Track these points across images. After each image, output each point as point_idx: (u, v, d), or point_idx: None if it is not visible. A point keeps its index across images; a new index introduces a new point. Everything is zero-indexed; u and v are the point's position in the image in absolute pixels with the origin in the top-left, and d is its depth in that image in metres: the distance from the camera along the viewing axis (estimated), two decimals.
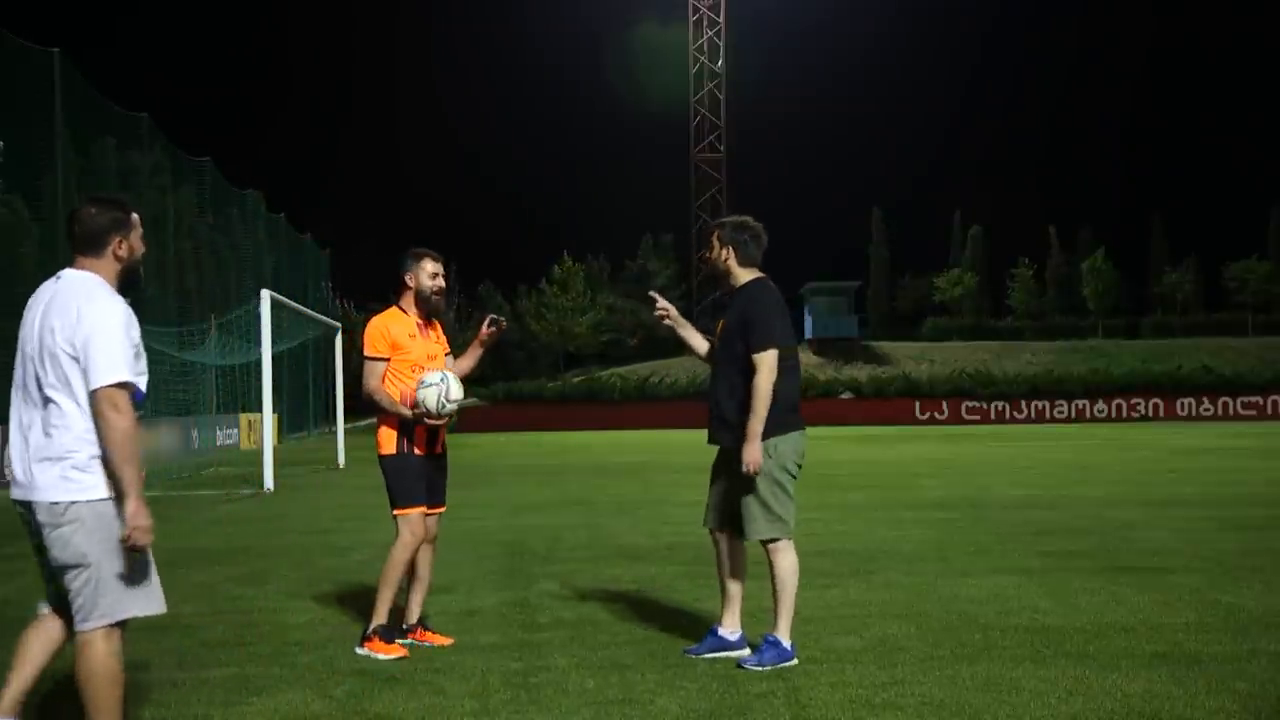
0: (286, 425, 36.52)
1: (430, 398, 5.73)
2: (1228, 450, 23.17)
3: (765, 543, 5.49)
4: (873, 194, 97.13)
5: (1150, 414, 43.93)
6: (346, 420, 24.11)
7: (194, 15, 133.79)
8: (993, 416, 44.11)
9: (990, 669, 5.28)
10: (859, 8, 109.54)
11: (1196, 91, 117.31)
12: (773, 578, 5.48)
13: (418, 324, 6.02)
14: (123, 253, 3.92)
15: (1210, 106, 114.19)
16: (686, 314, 74.25)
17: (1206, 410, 44.08)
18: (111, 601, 3.79)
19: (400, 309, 6.04)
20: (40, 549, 3.90)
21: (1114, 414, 44.02)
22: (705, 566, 8.44)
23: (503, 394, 45.64)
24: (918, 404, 44.00)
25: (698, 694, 4.95)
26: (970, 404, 44.42)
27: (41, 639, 4.02)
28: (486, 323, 6.22)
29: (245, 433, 31.71)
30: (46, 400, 3.77)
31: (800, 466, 5.58)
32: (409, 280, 6.01)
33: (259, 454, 18.73)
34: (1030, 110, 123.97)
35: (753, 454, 5.35)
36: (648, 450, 26.84)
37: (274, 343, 18.76)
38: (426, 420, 5.80)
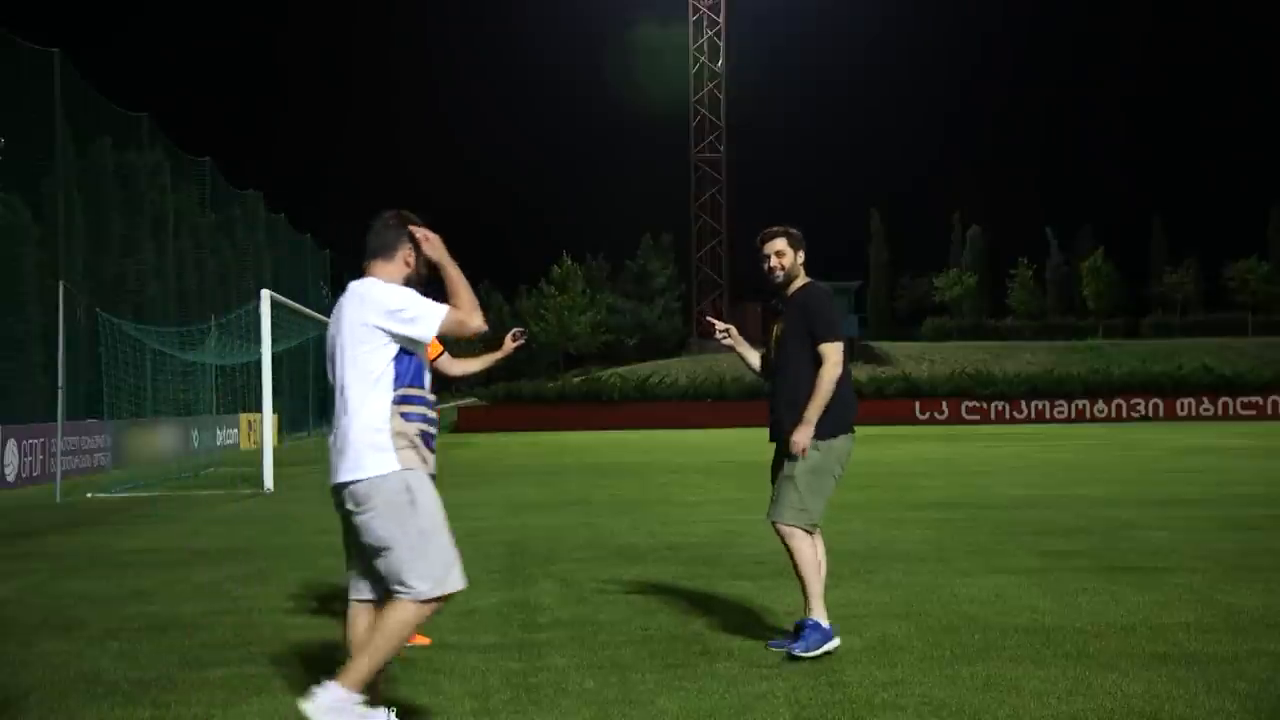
0: (286, 425, 36.50)
1: None
2: (1228, 450, 23.17)
3: (783, 527, 5.60)
4: (872, 194, 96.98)
5: (1150, 414, 43.89)
6: None
7: (194, 15, 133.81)
8: (993, 416, 44.08)
9: (990, 669, 5.28)
10: (859, 8, 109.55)
11: (1196, 91, 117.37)
12: (793, 562, 5.62)
13: None
14: (412, 260, 4.30)
15: (1210, 106, 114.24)
16: (687, 313, 73.35)
17: (1206, 410, 44.04)
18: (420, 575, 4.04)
19: None
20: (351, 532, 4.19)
21: (1114, 414, 43.99)
22: (705, 567, 8.45)
23: (503, 394, 45.61)
24: (918, 404, 43.99)
25: (698, 694, 4.95)
26: (970, 404, 44.40)
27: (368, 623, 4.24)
28: (512, 336, 6.38)
29: (245, 433, 31.70)
30: (342, 390, 4.16)
31: (844, 467, 5.75)
32: None
33: (259, 454, 18.73)
34: (1030, 110, 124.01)
35: (803, 435, 5.53)
36: (648, 450, 26.83)
37: (274, 343, 18.74)
38: None
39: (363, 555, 4.17)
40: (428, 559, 4.03)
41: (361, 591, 4.25)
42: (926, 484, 15.71)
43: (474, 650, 5.83)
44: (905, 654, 5.61)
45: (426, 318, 4.10)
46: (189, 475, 20.70)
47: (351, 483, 4.04)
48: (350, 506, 4.08)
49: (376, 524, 4.02)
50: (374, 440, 4.04)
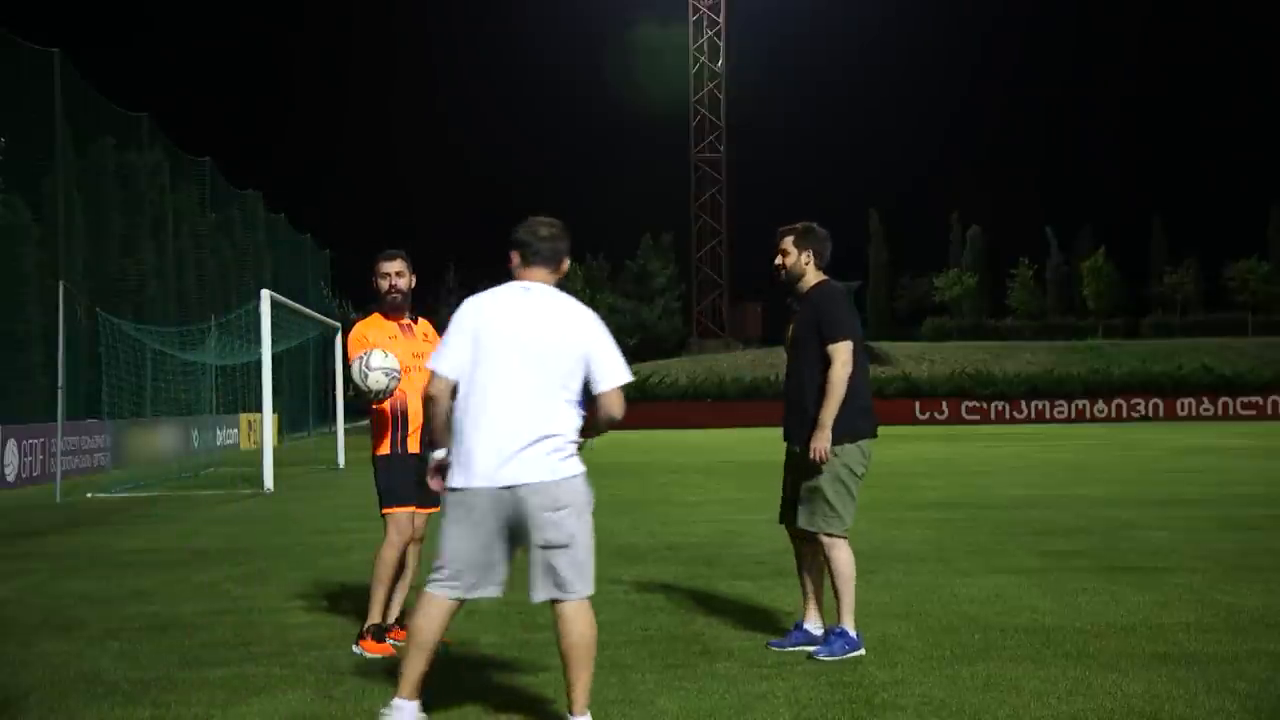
0: (286, 425, 36.49)
1: (375, 379, 5.72)
2: (1228, 450, 23.17)
3: (820, 535, 5.65)
4: (872, 194, 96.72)
5: (1150, 414, 43.89)
6: (346, 420, 24.10)
7: (194, 15, 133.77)
8: (993, 416, 44.09)
9: (990, 669, 5.29)
10: (859, 8, 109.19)
11: (1196, 91, 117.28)
12: (830, 570, 5.66)
13: (400, 325, 6.08)
14: (566, 268, 4.53)
15: (1210, 106, 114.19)
16: (687, 313, 73.02)
17: (1206, 410, 44.03)
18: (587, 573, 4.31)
19: (379, 313, 6.14)
20: (507, 532, 4.27)
21: (1114, 414, 43.99)
22: (705, 567, 8.46)
23: None
24: (918, 404, 44.00)
25: (698, 694, 4.95)
26: (970, 404, 44.42)
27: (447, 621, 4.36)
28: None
29: (245, 433, 31.69)
30: (532, 395, 4.25)
31: (865, 469, 5.80)
32: (374, 285, 6.13)
33: (259, 454, 18.73)
34: (1030, 110, 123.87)
35: (821, 442, 5.53)
36: (648, 450, 26.82)
37: (274, 343, 18.73)
38: (371, 401, 5.79)
39: (495, 553, 4.27)
40: (594, 557, 4.33)
41: (459, 590, 4.29)
42: (926, 484, 15.71)
43: (474, 650, 5.83)
44: (905, 654, 5.62)
45: (612, 378, 4.33)
46: (189, 475, 20.70)
47: (550, 482, 4.20)
48: (532, 501, 4.18)
49: (570, 521, 4.22)
50: (569, 448, 4.29)
